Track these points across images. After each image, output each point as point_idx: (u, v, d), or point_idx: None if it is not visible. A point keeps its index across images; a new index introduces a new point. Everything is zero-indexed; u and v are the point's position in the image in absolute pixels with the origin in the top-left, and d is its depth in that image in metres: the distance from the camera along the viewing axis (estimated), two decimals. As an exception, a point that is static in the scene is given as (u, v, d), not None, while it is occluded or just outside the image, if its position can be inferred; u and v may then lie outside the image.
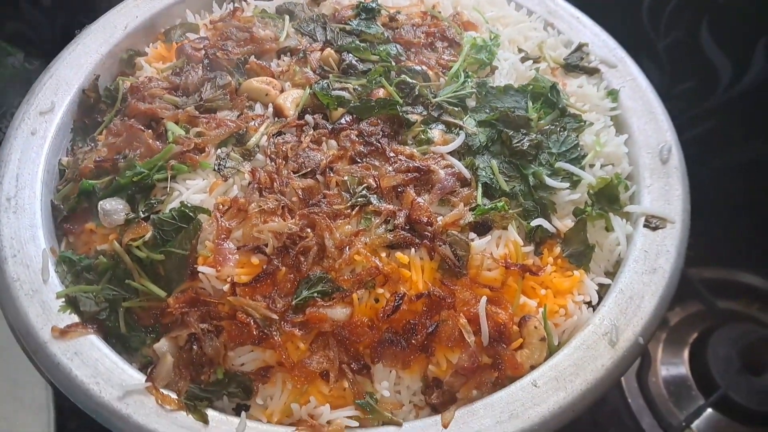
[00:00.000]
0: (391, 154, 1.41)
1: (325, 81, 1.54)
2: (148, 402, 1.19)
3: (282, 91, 1.55)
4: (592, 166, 1.48)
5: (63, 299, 1.30)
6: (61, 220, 1.44)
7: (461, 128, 1.47)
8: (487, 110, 1.51)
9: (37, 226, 1.38)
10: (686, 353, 2.05)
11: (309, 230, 1.29)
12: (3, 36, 2.48)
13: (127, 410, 1.18)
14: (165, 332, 1.28)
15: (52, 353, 1.23)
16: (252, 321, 1.22)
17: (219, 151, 1.42)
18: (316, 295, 1.24)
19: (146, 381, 1.21)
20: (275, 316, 1.23)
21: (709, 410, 1.90)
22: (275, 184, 1.35)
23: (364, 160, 1.40)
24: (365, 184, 1.36)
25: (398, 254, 1.28)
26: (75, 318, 1.29)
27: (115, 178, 1.40)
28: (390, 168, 1.38)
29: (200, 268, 1.26)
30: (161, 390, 1.21)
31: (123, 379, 1.22)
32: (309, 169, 1.38)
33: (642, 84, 1.65)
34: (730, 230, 2.33)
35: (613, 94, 1.63)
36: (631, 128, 1.58)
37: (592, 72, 1.68)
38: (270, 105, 1.52)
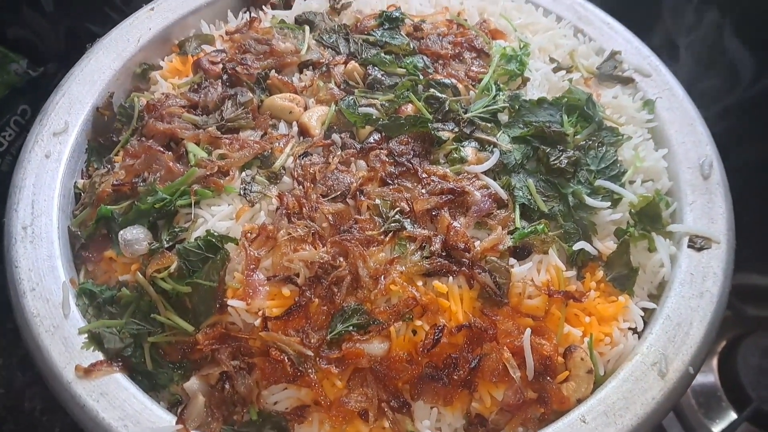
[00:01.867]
0: (424, 175, 1.35)
1: (351, 97, 1.47)
2: (179, 445, 1.14)
3: (306, 108, 1.48)
4: (632, 182, 1.43)
5: (86, 335, 1.24)
6: (79, 247, 1.38)
7: (495, 145, 1.41)
8: (521, 125, 1.45)
9: (55, 256, 1.33)
10: (715, 362, 2.00)
11: (341, 259, 1.24)
12: (6, 42, 2.42)
13: (159, 455, 1.13)
14: (194, 368, 1.23)
15: (77, 394, 1.18)
16: (286, 358, 1.17)
17: (244, 174, 1.36)
18: (351, 328, 1.18)
19: (177, 423, 1.15)
20: (310, 353, 1.17)
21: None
22: (304, 209, 1.30)
23: (396, 181, 1.35)
24: (398, 208, 1.30)
25: (436, 283, 1.22)
26: (99, 355, 1.23)
27: (134, 203, 1.34)
28: (423, 190, 1.33)
29: (230, 302, 1.21)
30: (193, 432, 1.15)
31: (152, 421, 1.16)
32: (338, 193, 1.32)
33: (679, 93, 1.59)
34: (756, 233, 2.29)
35: (649, 105, 1.57)
36: (670, 141, 1.52)
37: (626, 81, 1.61)
38: (294, 123, 1.45)
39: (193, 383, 1.20)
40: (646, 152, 1.48)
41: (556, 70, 1.60)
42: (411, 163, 1.37)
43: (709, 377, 1.97)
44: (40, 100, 1.56)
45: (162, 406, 1.20)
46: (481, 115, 1.46)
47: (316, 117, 1.45)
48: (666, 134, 1.53)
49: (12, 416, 1.91)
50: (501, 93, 1.50)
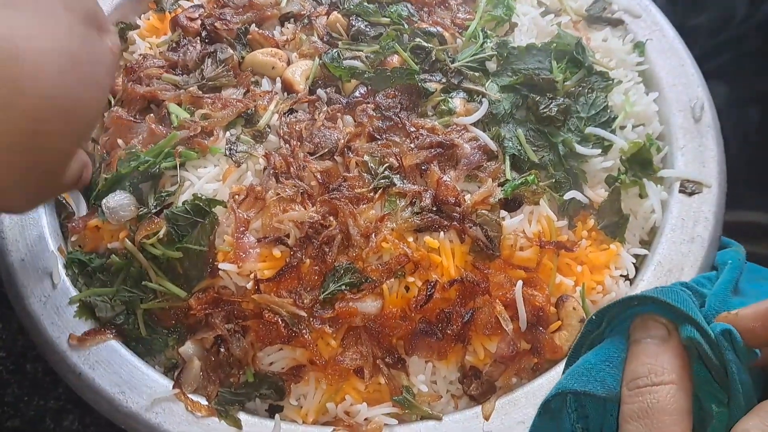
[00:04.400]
0: (412, 129, 1.33)
1: (335, 50, 1.44)
2: (177, 409, 1.15)
3: (289, 62, 1.45)
4: (622, 128, 1.40)
5: (77, 304, 1.24)
6: (64, 217, 1.36)
7: (484, 95, 1.38)
8: (509, 73, 1.42)
9: (43, 225, 1.31)
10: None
11: (332, 218, 1.23)
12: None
13: (157, 419, 1.14)
14: (189, 333, 1.23)
15: (73, 363, 1.18)
16: (279, 319, 1.16)
17: (228, 134, 1.33)
18: (344, 288, 1.18)
19: (174, 387, 1.16)
20: (303, 313, 1.17)
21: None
22: (291, 168, 1.28)
23: (383, 136, 1.32)
24: (387, 164, 1.28)
25: (427, 238, 1.21)
26: (92, 323, 1.23)
27: (117, 169, 1.31)
28: (412, 144, 1.30)
29: (221, 266, 1.20)
30: (190, 396, 1.16)
31: (149, 386, 1.17)
32: (326, 150, 1.30)
33: (669, 34, 1.55)
34: (746, 169, 2.27)
35: (639, 47, 1.53)
36: (660, 84, 1.48)
37: (616, 23, 1.57)
38: (278, 79, 1.42)
39: (188, 347, 1.20)
40: (637, 96, 1.45)
41: (544, 14, 1.55)
42: (398, 117, 1.34)
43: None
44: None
45: (158, 371, 1.21)
46: (469, 64, 1.42)
47: (299, 72, 1.41)
48: (656, 77, 1.50)
49: (15, 379, 1.92)
50: (489, 40, 1.46)
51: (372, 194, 1.25)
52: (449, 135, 1.32)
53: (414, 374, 1.19)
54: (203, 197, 1.25)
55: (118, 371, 1.18)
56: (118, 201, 1.27)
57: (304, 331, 1.17)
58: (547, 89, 1.39)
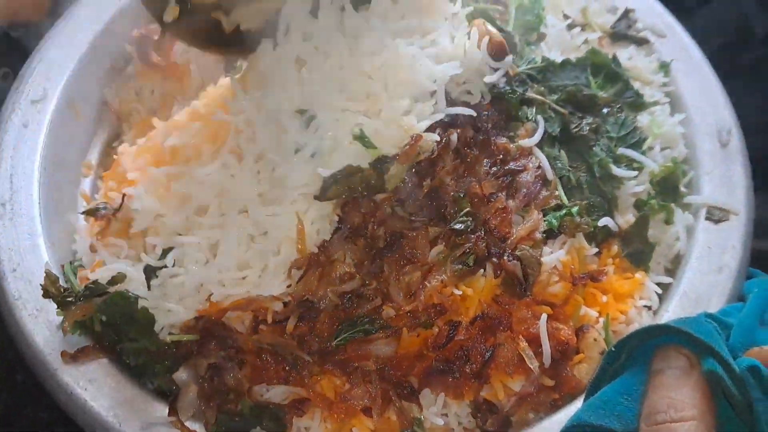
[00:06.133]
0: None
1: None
2: (174, 435, 1.08)
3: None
4: (651, 149, 1.34)
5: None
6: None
7: (545, 110, 1.30)
8: (546, 90, 1.34)
9: (37, 233, 1.25)
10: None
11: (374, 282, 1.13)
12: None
13: (152, 445, 1.07)
14: (181, 359, 1.15)
15: (65, 382, 1.11)
16: (280, 359, 1.10)
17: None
18: (358, 335, 1.10)
19: (169, 414, 1.09)
20: (309, 359, 1.09)
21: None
22: (370, 225, 1.15)
23: (472, 150, 1.22)
24: (467, 209, 1.18)
25: (463, 288, 1.14)
26: (85, 340, 1.16)
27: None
28: (491, 170, 1.22)
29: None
30: (187, 423, 1.08)
31: (143, 409, 1.10)
32: (422, 219, 1.18)
33: (695, 56, 1.49)
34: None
35: (665, 68, 1.47)
36: (686, 106, 1.42)
37: (641, 42, 1.50)
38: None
39: (182, 373, 1.12)
40: (663, 117, 1.39)
41: (570, 27, 1.48)
42: (488, 135, 1.24)
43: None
44: (22, 62, 1.46)
45: (153, 395, 1.14)
46: (529, 71, 1.34)
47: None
48: (682, 99, 1.43)
49: (5, 388, 1.86)
50: (533, 47, 1.39)
51: (433, 257, 1.15)
52: (519, 161, 1.23)
53: (426, 407, 1.11)
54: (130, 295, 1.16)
55: (111, 393, 1.11)
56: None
57: (305, 373, 1.10)
58: (587, 107, 1.33)
